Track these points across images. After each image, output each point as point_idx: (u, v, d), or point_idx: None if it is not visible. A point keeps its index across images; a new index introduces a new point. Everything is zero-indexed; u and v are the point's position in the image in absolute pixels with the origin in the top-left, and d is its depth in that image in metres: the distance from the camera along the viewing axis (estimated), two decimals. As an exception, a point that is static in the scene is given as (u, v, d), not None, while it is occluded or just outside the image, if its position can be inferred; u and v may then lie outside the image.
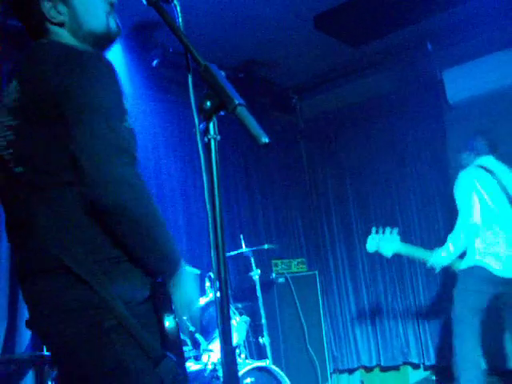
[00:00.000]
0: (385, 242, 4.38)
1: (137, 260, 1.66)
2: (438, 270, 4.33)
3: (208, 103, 1.41)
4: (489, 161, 4.39)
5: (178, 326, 1.70)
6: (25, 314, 3.88)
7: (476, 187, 4.23)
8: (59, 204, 1.65)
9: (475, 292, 4.13)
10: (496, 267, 4.08)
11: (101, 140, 1.57)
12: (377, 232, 4.42)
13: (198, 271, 4.39)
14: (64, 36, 1.82)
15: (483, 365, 4.27)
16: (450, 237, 4.25)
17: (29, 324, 1.77)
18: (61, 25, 1.82)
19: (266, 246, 4.96)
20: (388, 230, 4.40)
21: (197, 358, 3.95)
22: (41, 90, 1.64)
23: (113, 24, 1.86)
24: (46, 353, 3.49)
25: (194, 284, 1.80)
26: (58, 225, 1.64)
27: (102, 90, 1.63)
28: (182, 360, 1.75)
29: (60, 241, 1.62)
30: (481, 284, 4.12)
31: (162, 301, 1.70)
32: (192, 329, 3.90)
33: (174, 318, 1.69)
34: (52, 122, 1.63)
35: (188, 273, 1.78)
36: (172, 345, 1.68)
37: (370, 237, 4.45)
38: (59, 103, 1.61)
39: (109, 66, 1.70)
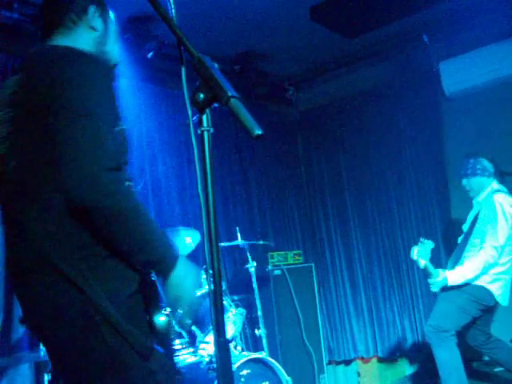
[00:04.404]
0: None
1: (124, 255, 1.69)
2: None
3: (201, 95, 1.41)
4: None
5: (169, 322, 1.74)
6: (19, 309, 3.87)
7: None
8: (47, 204, 1.67)
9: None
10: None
11: (84, 144, 1.60)
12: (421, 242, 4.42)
13: (199, 237, 4.39)
14: (82, 38, 1.91)
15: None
16: None
17: (22, 320, 1.81)
18: (90, 30, 1.94)
19: (261, 242, 4.96)
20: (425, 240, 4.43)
21: (193, 351, 3.96)
22: (40, 84, 1.68)
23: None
24: (42, 348, 3.50)
25: (195, 278, 1.81)
26: (47, 224, 1.67)
27: (96, 94, 1.68)
28: (170, 352, 1.79)
29: (49, 239, 1.66)
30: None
31: (150, 295, 1.74)
32: (189, 322, 3.89)
33: (165, 313, 1.72)
34: (45, 117, 1.65)
35: (189, 266, 1.78)
36: (161, 338, 1.73)
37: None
38: (53, 99, 1.64)
39: (105, 71, 1.78)
